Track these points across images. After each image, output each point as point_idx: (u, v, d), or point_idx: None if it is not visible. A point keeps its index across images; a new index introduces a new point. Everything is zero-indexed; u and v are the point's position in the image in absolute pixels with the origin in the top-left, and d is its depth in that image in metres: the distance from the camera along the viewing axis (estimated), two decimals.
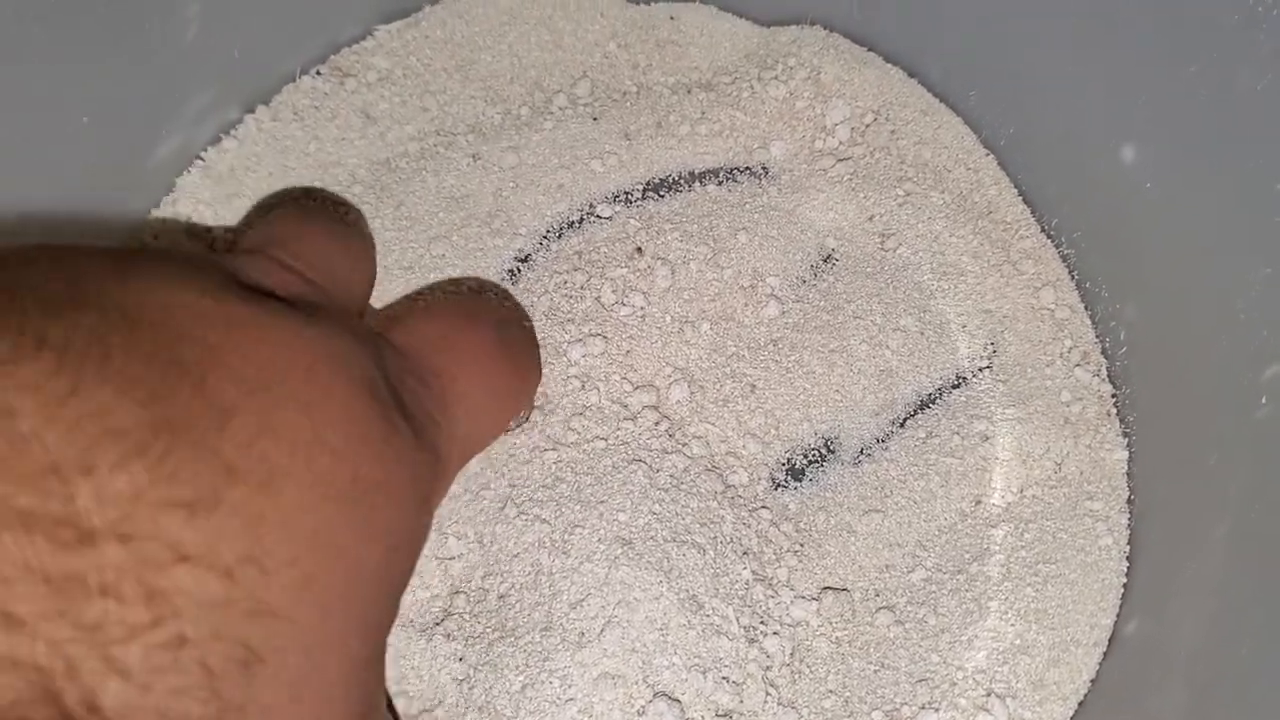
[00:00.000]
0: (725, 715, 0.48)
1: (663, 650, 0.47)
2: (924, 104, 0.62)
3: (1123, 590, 0.53)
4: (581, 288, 0.57)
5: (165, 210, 0.58)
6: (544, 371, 0.54)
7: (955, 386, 0.57)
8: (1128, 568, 0.54)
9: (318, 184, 0.60)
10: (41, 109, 0.50)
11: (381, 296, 0.57)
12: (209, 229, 0.57)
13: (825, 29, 0.64)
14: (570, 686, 0.47)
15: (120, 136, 0.55)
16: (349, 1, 0.62)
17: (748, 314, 0.57)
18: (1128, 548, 0.54)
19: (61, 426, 0.23)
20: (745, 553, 0.51)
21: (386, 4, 0.63)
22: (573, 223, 0.60)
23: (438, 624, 0.50)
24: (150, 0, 0.53)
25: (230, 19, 0.56)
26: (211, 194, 0.58)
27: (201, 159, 0.59)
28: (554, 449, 0.53)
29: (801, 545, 0.53)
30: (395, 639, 0.49)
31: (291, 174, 0.59)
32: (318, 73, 0.62)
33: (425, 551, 0.49)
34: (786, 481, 0.54)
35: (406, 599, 0.49)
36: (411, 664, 0.49)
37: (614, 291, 0.56)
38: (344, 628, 0.27)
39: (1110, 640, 0.53)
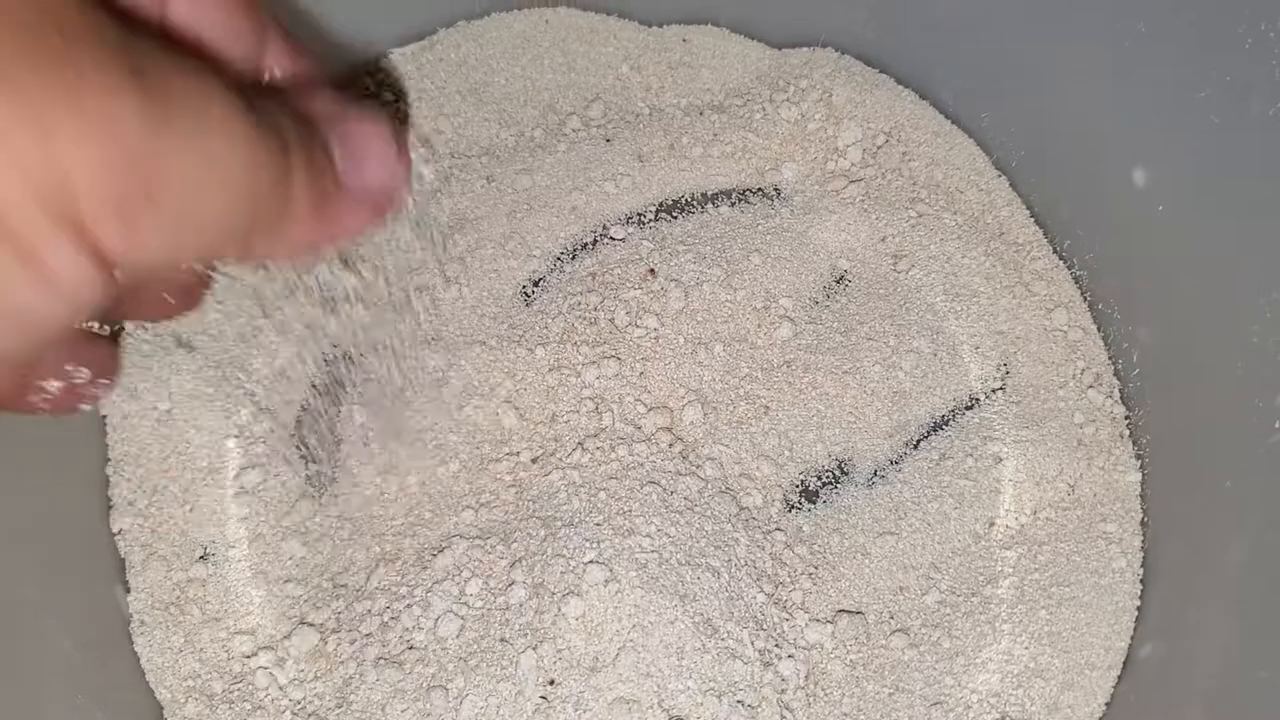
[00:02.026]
0: None
1: (678, 674, 0.47)
2: (936, 126, 0.63)
3: (1137, 613, 0.53)
4: (595, 309, 0.57)
5: None
6: (558, 392, 0.55)
7: (968, 408, 0.57)
8: (1142, 590, 0.54)
9: None
10: None
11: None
12: None
13: (837, 51, 0.64)
14: (584, 712, 0.47)
15: None
16: (363, 25, 0.63)
17: (761, 335, 0.57)
18: (1141, 570, 0.54)
19: None
20: (760, 575, 0.51)
21: (400, 27, 0.64)
22: (586, 244, 0.60)
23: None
24: None
25: None
26: None
27: None
28: (567, 471, 0.53)
29: (816, 568, 0.53)
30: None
31: None
32: None
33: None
34: (800, 503, 0.54)
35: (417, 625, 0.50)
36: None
37: (627, 313, 0.57)
38: None
39: (1125, 663, 0.53)
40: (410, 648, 0.50)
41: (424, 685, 0.49)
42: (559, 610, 0.48)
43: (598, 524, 0.50)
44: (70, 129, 0.21)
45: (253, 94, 0.27)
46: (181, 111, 0.24)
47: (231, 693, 0.51)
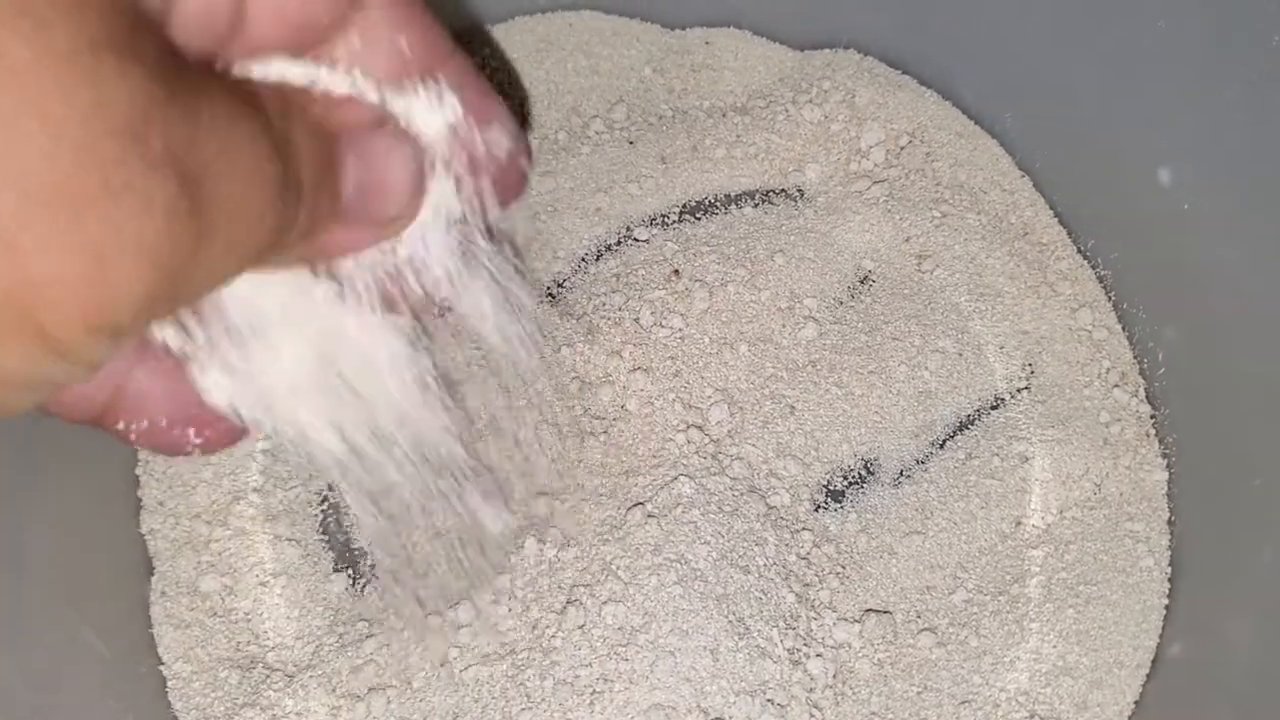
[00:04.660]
0: None
1: (714, 675, 0.47)
2: (959, 126, 0.63)
3: (1165, 612, 0.53)
4: (620, 309, 0.57)
5: None
6: (585, 390, 0.55)
7: (994, 408, 0.57)
8: (1170, 589, 0.54)
9: None
10: None
11: (428, 320, 0.57)
12: None
13: (859, 53, 0.64)
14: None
15: None
16: None
17: (785, 335, 0.57)
18: (1169, 569, 0.54)
19: None
20: (788, 575, 0.51)
21: None
22: (610, 246, 0.60)
23: (474, 657, 0.50)
24: None
25: None
26: None
27: None
28: (595, 474, 0.53)
29: (843, 567, 0.53)
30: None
31: None
32: None
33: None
34: (827, 503, 0.54)
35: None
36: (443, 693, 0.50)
37: (652, 313, 0.57)
38: None
39: (1154, 662, 0.53)
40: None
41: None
42: (600, 615, 0.48)
43: (633, 526, 0.51)
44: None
45: (271, 98, 0.26)
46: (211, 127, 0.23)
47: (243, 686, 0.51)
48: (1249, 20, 0.47)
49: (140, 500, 0.54)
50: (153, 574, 0.54)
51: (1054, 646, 0.52)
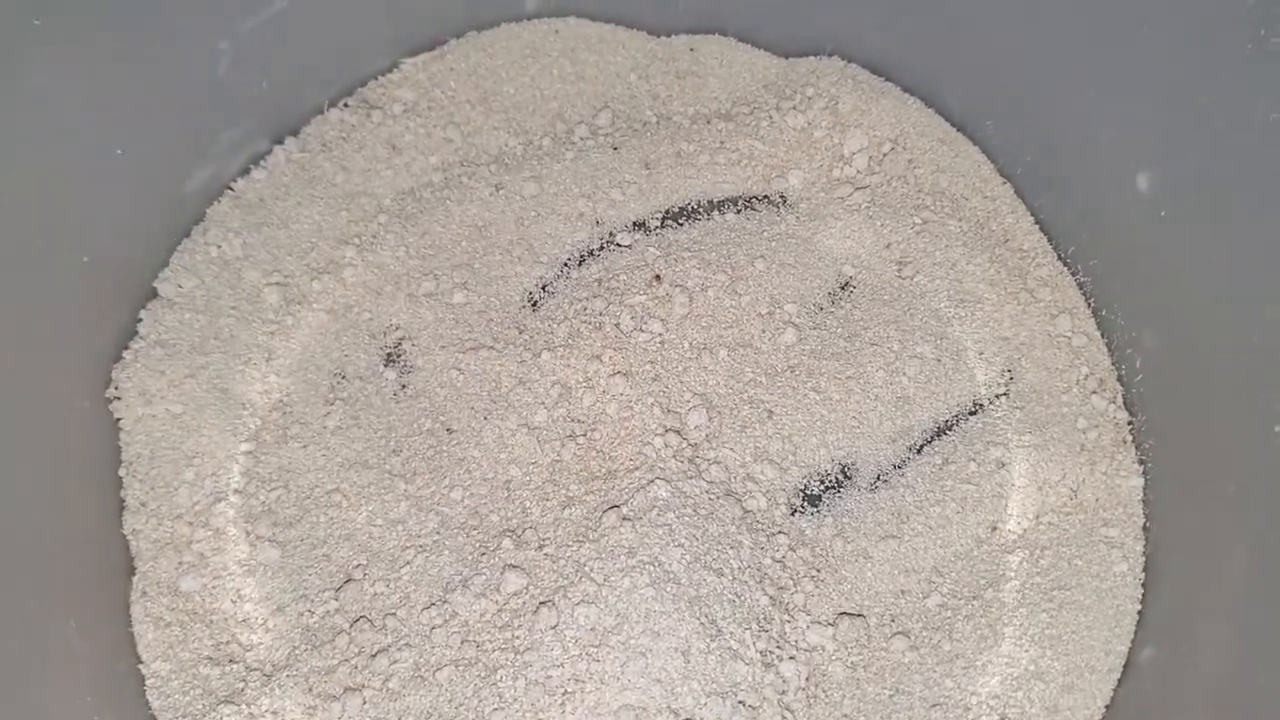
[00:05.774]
0: None
1: (685, 677, 0.48)
2: (941, 133, 0.63)
3: (1138, 617, 0.53)
4: (600, 314, 0.58)
5: (196, 238, 0.59)
6: (565, 394, 0.55)
7: (972, 413, 0.57)
8: (1143, 594, 0.54)
9: (344, 213, 0.61)
10: (79, 142, 0.52)
11: (410, 323, 0.58)
12: None
13: (843, 60, 0.65)
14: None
15: (154, 168, 0.56)
16: (375, 35, 0.64)
17: (765, 341, 0.58)
18: (1143, 574, 0.54)
19: None
20: (763, 578, 0.51)
21: (412, 37, 0.65)
22: (593, 250, 0.61)
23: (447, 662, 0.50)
24: (183, 37, 0.54)
25: (260, 54, 0.58)
26: (241, 222, 0.60)
27: (232, 189, 0.61)
28: (573, 477, 0.54)
29: (818, 571, 0.53)
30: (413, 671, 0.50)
31: (319, 202, 0.61)
32: (345, 105, 0.64)
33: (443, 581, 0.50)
34: (804, 508, 0.55)
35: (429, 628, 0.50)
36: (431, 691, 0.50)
37: (633, 318, 0.57)
38: None
39: (1125, 667, 0.53)
40: (415, 671, 0.51)
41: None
42: (572, 616, 0.49)
43: (608, 529, 0.51)
44: None
45: None
46: None
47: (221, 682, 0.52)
48: (1226, 30, 0.47)
49: (123, 501, 0.55)
50: (134, 574, 0.54)
51: (1026, 651, 0.52)
